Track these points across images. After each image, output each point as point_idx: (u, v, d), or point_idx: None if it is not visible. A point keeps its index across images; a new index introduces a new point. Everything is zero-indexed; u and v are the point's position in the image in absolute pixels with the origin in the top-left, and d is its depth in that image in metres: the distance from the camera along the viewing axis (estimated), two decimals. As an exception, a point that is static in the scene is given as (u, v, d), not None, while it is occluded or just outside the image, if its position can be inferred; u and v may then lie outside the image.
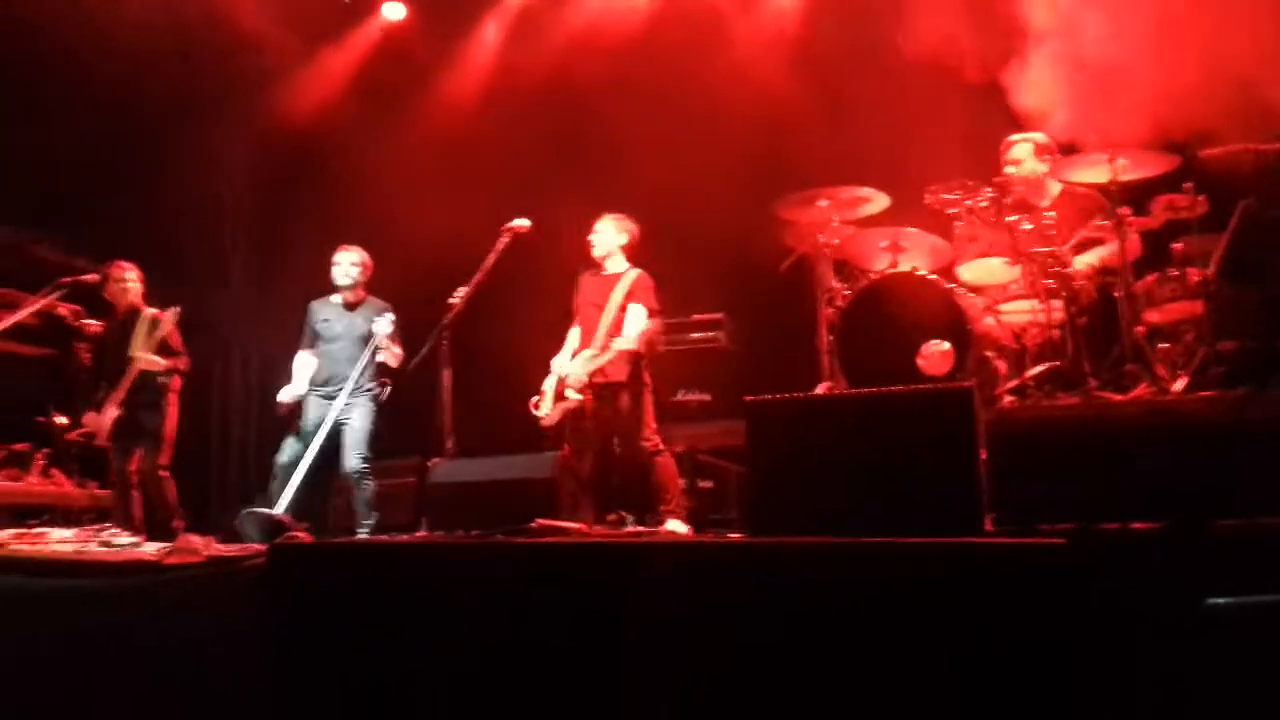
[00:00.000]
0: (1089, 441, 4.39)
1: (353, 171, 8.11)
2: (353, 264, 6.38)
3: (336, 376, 6.11)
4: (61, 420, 7.11)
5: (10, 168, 7.35)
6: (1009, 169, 5.54)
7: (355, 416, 6.08)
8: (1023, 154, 5.52)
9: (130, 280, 6.79)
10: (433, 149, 8.02)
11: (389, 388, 6.28)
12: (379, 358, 6.11)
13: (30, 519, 6.32)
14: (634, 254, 6.03)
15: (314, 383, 6.19)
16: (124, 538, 5.09)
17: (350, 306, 6.37)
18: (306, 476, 5.67)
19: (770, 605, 3.09)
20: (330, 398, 6.03)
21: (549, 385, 5.79)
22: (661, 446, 5.56)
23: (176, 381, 6.69)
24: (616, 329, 5.75)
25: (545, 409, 5.70)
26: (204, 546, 4.20)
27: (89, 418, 6.61)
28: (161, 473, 6.50)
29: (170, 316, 6.48)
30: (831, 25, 6.96)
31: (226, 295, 8.86)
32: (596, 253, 5.99)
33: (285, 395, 6.16)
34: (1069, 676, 2.74)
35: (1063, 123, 5.50)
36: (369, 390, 6.18)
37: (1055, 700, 2.72)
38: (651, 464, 5.49)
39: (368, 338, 6.06)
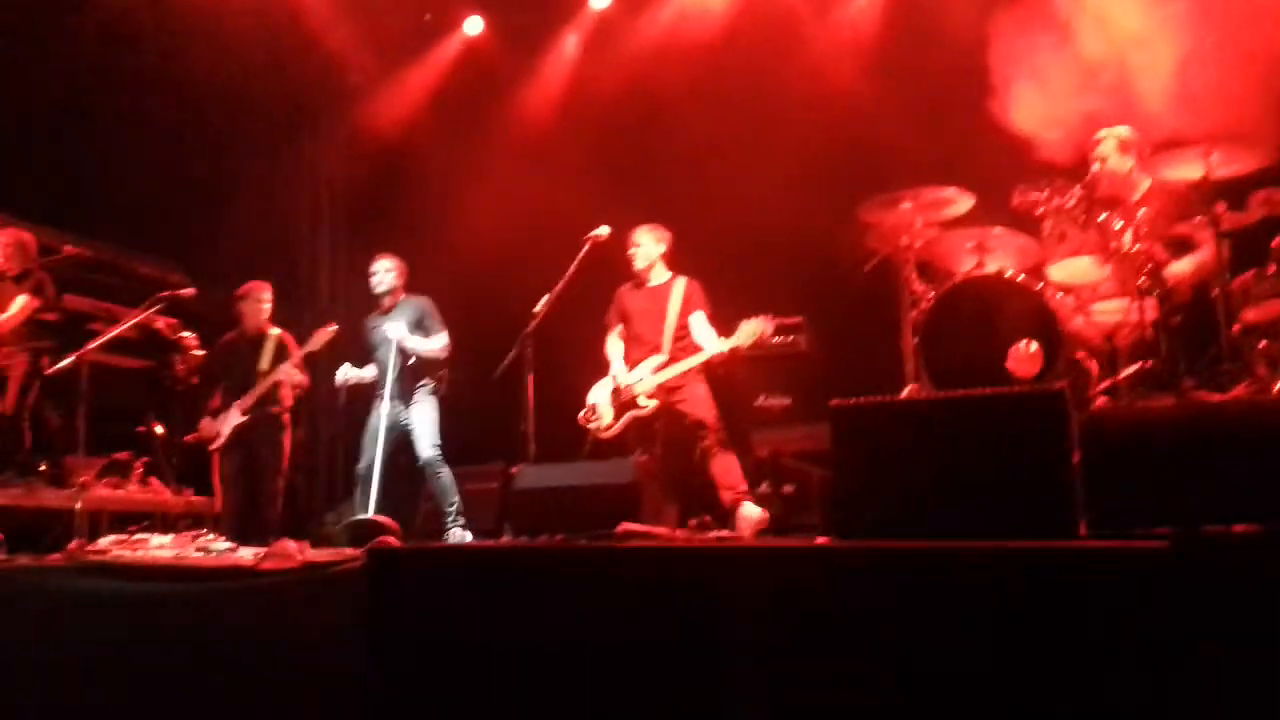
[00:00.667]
0: (1186, 443, 4.28)
1: (436, 185, 8.27)
2: (386, 270, 6.68)
3: (384, 380, 6.42)
4: (159, 430, 7.35)
5: (109, 183, 7.63)
6: (1095, 165, 5.42)
7: (414, 415, 6.41)
8: (1108, 150, 5.40)
9: (266, 301, 7.06)
10: (514, 160, 8.14)
11: (443, 382, 6.54)
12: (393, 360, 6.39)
13: (130, 525, 6.52)
14: (673, 261, 6.18)
15: (377, 391, 6.46)
16: (220, 543, 5.22)
17: (387, 311, 6.67)
18: (384, 481, 5.85)
19: (858, 610, 3.06)
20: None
21: (601, 398, 5.87)
22: (722, 444, 5.65)
23: (291, 400, 6.95)
24: (681, 336, 5.91)
25: (605, 419, 5.79)
26: (298, 551, 4.29)
27: (205, 424, 6.88)
28: (279, 483, 6.75)
29: (323, 336, 6.71)
30: (910, 24, 6.89)
31: (314, 310, 9.06)
32: (639, 265, 6.17)
33: (340, 375, 6.63)
34: (1172, 684, 2.66)
35: (1152, 116, 5.39)
36: (423, 387, 6.48)
37: (1157, 708, 2.65)
38: (709, 460, 5.59)
39: None
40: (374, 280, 6.69)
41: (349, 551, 4.16)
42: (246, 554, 4.73)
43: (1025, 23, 5.68)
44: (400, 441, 6.40)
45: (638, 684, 3.25)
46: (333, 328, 6.69)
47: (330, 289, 9.41)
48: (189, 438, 7.02)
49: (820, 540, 3.78)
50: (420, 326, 6.56)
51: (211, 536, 5.53)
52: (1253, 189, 4.96)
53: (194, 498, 7.19)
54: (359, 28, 8.57)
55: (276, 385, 6.74)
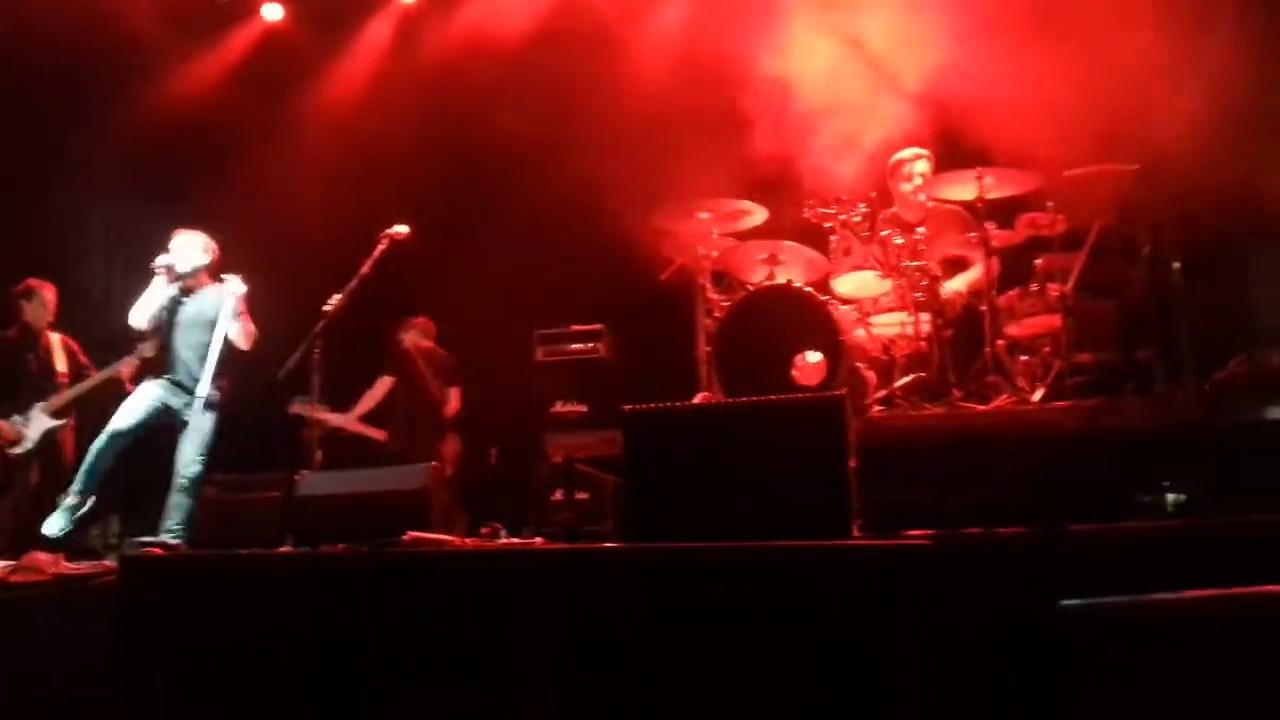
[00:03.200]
0: (952, 450, 4.54)
1: (230, 173, 7.86)
2: (200, 249, 6.07)
3: (175, 364, 5.91)
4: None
5: None
6: (908, 185, 5.65)
7: (197, 417, 5.73)
8: (925, 168, 5.65)
9: (50, 299, 6.68)
10: (312, 152, 7.84)
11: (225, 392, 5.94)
12: None
13: None
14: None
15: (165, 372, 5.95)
16: (-34, 555, 4.80)
17: (187, 293, 6.03)
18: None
19: (645, 609, 3.08)
20: None
21: None
22: None
23: None
24: None
25: None
26: (51, 564, 4.00)
27: (2, 425, 6.38)
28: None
29: (129, 365, 6.24)
30: (715, 38, 7.03)
31: (87, 307, 8.46)
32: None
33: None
34: (927, 673, 2.79)
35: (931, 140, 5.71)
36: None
37: (913, 697, 2.77)
38: None
39: None
40: (180, 255, 5.94)
41: (107, 564, 3.90)
42: (-4, 566, 4.37)
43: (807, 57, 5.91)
44: (155, 430, 5.81)
45: (422, 692, 3.16)
46: (136, 360, 6.15)
47: (106, 286, 8.79)
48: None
49: (610, 545, 3.80)
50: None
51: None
52: (1020, 212, 5.29)
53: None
54: (148, 6, 8.08)
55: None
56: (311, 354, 5.50)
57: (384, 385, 7.12)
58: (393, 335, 7.11)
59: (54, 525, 5.35)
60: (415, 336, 7.12)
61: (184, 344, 5.85)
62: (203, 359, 5.71)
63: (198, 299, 5.95)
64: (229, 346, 5.70)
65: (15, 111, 7.75)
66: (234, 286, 5.76)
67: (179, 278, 5.92)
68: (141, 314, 5.85)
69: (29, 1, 7.22)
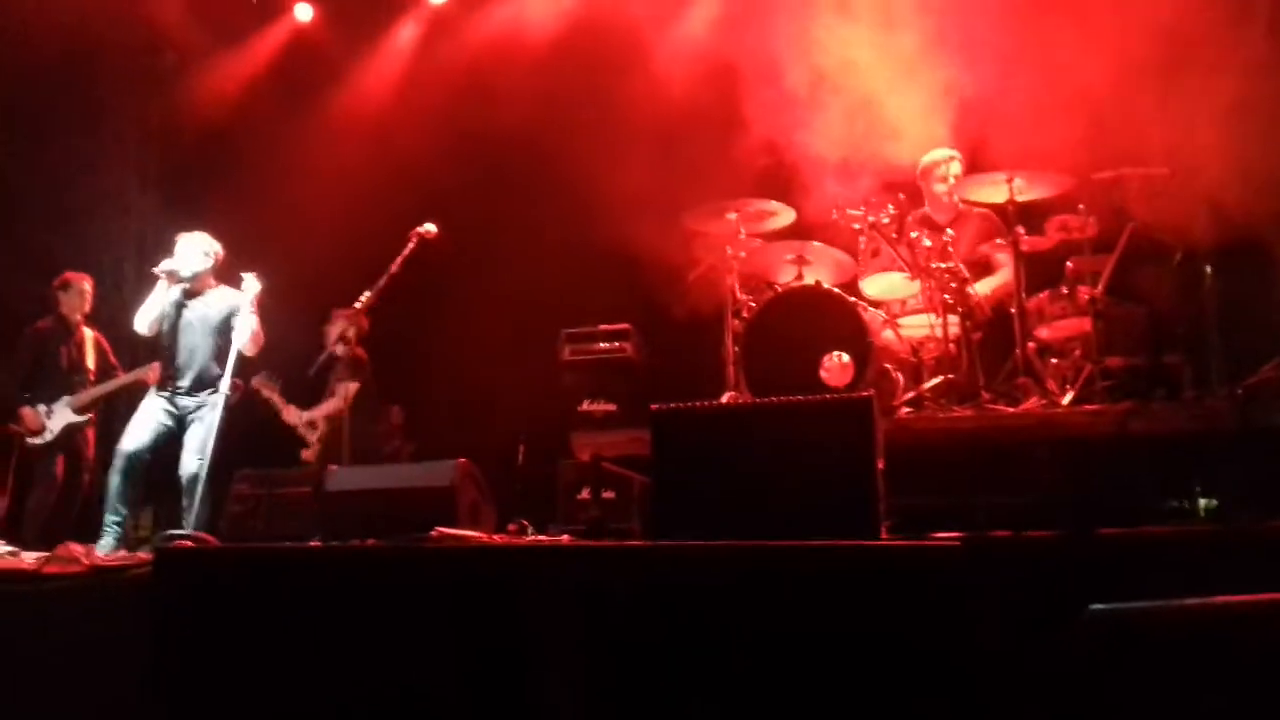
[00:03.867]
0: (981, 452, 4.53)
1: (261, 173, 7.94)
2: (201, 252, 5.98)
3: (179, 366, 5.89)
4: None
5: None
6: (941, 186, 5.64)
7: (206, 419, 5.70)
8: (957, 170, 5.63)
9: (88, 292, 6.76)
10: (344, 151, 7.91)
11: (238, 390, 5.88)
12: None
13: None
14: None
15: (169, 376, 5.90)
16: (1, 546, 4.87)
17: (193, 295, 5.98)
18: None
19: (671, 608, 3.09)
20: None
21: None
22: None
23: None
24: None
25: None
26: (85, 555, 4.05)
27: (28, 414, 6.46)
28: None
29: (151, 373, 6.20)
30: (742, 40, 7.03)
31: (121, 296, 8.56)
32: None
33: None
34: (960, 677, 2.79)
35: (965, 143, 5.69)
36: (218, 392, 5.68)
37: (948, 699, 2.77)
38: None
39: None
40: (182, 259, 5.88)
41: (141, 556, 3.95)
42: (29, 558, 4.43)
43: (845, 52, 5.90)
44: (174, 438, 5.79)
45: (448, 688, 3.18)
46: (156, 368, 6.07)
47: (137, 286, 8.89)
48: (10, 427, 6.49)
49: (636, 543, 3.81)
50: (227, 323, 5.83)
51: (-11, 539, 5.16)
52: (1050, 215, 5.27)
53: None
54: (181, 5, 8.17)
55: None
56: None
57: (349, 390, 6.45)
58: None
59: (105, 547, 5.34)
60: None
61: (188, 348, 5.81)
62: (208, 362, 5.74)
63: (203, 302, 5.92)
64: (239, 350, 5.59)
65: (51, 112, 7.86)
66: (250, 284, 5.69)
67: (182, 281, 5.85)
68: (144, 319, 5.82)
69: (62, 4, 7.29)
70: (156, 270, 5.78)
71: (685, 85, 6.95)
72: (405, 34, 8.41)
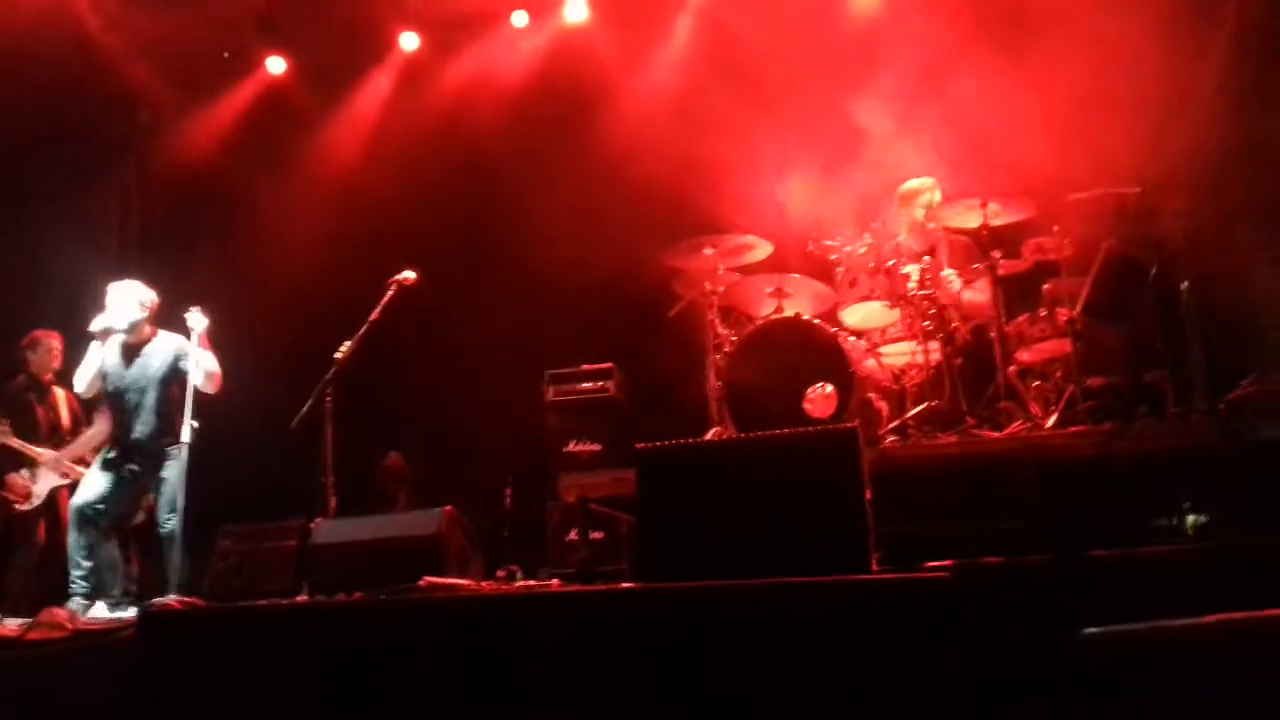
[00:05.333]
0: (968, 478, 4.53)
1: (237, 225, 7.95)
2: (135, 303, 5.71)
3: (129, 427, 5.68)
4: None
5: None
6: (918, 214, 5.68)
7: (168, 474, 5.54)
8: (935, 198, 5.66)
9: (57, 350, 6.64)
10: (320, 200, 7.91)
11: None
12: None
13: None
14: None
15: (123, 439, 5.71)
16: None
17: (135, 349, 5.74)
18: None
19: (664, 651, 3.07)
20: None
21: None
22: None
23: None
24: None
25: None
26: (69, 620, 4.00)
27: (15, 481, 6.34)
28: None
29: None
30: (712, 79, 7.11)
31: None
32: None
33: None
34: (954, 705, 2.77)
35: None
36: (175, 444, 5.54)
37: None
38: None
39: None
40: (115, 313, 5.62)
41: (125, 618, 3.90)
42: (12, 624, 4.37)
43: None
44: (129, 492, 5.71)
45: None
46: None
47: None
48: (9, 495, 6.39)
49: (626, 585, 3.78)
50: (174, 370, 5.61)
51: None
52: (1026, 238, 5.30)
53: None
54: (152, 65, 8.20)
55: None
56: (324, 402, 5.52)
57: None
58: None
59: (78, 607, 5.18)
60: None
61: (134, 403, 5.59)
62: (158, 414, 5.55)
63: (146, 353, 5.67)
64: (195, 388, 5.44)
65: (21, 168, 7.84)
66: (195, 320, 5.51)
67: (119, 334, 5.63)
68: (82, 381, 5.64)
69: (34, 60, 7.30)
70: (91, 329, 5.57)
71: (656, 124, 7.01)
72: (378, 82, 8.44)
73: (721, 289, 5.61)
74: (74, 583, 5.37)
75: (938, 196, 5.66)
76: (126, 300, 5.66)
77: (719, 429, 5.30)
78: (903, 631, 2.89)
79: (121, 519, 5.75)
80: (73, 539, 5.46)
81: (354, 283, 6.38)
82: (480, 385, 7.17)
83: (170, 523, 5.39)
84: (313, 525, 5.13)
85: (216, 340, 5.71)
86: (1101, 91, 5.55)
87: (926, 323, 5.20)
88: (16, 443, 6.32)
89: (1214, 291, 5.01)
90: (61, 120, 8.05)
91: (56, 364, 6.62)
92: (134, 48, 7.97)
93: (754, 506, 3.50)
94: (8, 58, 7.01)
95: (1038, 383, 5.13)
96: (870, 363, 5.32)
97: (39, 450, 6.36)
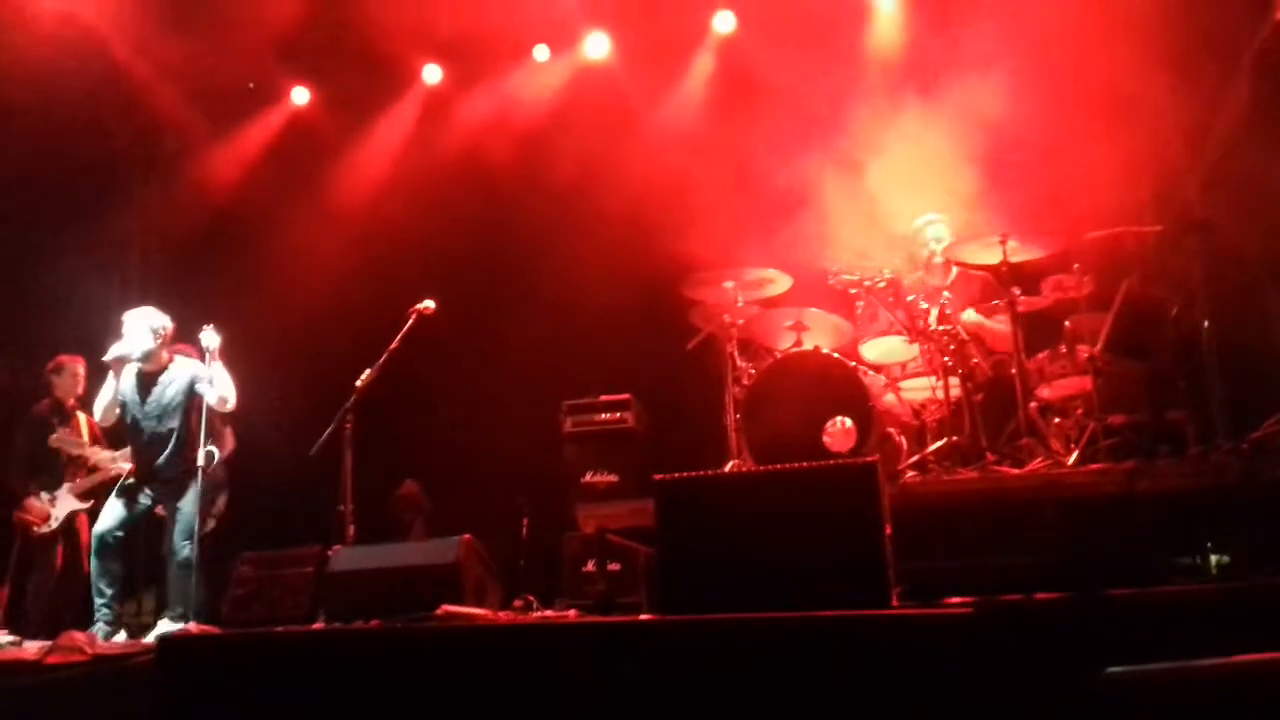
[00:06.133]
0: (988, 514, 4.50)
1: (261, 254, 8.01)
2: (150, 330, 5.74)
3: (149, 457, 5.73)
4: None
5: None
6: (931, 249, 5.71)
7: (185, 499, 5.61)
8: (945, 232, 5.70)
9: (80, 375, 6.68)
10: (343, 229, 7.97)
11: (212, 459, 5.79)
12: None
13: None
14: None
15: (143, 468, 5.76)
16: (3, 636, 4.82)
17: (152, 376, 5.79)
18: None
19: (682, 684, 3.05)
20: None
21: None
22: None
23: None
24: None
25: None
26: (88, 644, 4.01)
27: (34, 505, 6.39)
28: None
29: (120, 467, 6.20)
30: (731, 114, 7.17)
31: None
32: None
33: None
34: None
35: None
36: (191, 469, 5.66)
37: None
38: None
39: None
40: (130, 342, 5.65)
41: (144, 643, 3.91)
42: (31, 648, 4.39)
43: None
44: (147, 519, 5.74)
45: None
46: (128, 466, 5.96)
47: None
48: (19, 516, 6.41)
49: (644, 616, 3.77)
50: (191, 396, 5.67)
51: (-5, 630, 5.11)
52: (1046, 275, 5.30)
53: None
54: (179, 93, 8.31)
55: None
56: (343, 429, 5.55)
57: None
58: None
59: (102, 633, 5.23)
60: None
61: (151, 430, 5.65)
62: (176, 441, 5.60)
63: (162, 381, 5.71)
64: (211, 409, 5.52)
65: (52, 197, 7.95)
66: (208, 339, 5.55)
67: (135, 363, 5.67)
68: (100, 410, 5.69)
69: (62, 90, 7.40)
70: (105, 359, 5.61)
71: (676, 157, 7.06)
72: (401, 113, 8.53)
73: (741, 321, 5.62)
74: (97, 610, 5.40)
75: (943, 231, 5.69)
76: (139, 328, 5.68)
77: (737, 462, 5.29)
78: (924, 668, 2.87)
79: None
80: (95, 566, 5.49)
81: (374, 312, 6.43)
82: (498, 415, 7.20)
83: (185, 550, 5.42)
84: (331, 552, 5.14)
85: (238, 367, 5.75)
86: (1120, 130, 5.57)
87: (946, 358, 5.20)
88: (73, 444, 6.40)
89: (1235, 329, 5.00)
90: (88, 149, 8.16)
91: (80, 389, 6.69)
92: (160, 78, 8.08)
93: (773, 540, 3.50)
94: (36, 87, 7.12)
95: (1058, 419, 5.10)
96: (890, 397, 5.31)
97: (95, 451, 6.40)
